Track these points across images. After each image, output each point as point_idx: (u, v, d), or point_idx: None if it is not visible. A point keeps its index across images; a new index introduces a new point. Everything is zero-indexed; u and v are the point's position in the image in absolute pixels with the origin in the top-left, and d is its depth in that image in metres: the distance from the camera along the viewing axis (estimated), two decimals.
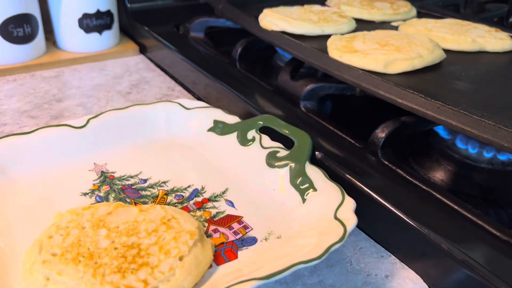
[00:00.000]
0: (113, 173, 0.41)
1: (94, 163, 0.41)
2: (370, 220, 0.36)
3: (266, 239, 0.34)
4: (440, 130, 0.46)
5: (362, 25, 0.59)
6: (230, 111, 0.46)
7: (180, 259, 0.30)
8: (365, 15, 0.61)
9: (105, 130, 0.43)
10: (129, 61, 0.69)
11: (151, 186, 0.39)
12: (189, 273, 0.29)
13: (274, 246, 0.33)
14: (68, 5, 0.64)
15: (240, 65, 0.58)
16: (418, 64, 0.44)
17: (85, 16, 0.65)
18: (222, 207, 0.37)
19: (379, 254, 0.35)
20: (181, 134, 0.45)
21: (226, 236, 0.34)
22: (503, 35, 0.54)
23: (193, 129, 0.45)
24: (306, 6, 0.62)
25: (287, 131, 0.41)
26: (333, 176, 0.37)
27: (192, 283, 0.29)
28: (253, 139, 0.42)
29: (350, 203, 0.33)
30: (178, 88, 0.61)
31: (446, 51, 0.49)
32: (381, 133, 0.40)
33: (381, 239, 0.36)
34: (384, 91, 0.41)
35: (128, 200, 0.38)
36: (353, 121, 0.50)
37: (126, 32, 0.75)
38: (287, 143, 0.40)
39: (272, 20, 0.55)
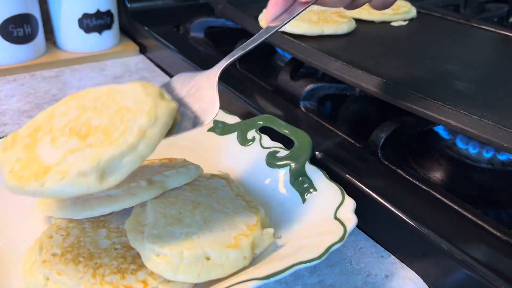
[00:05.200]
0: None
1: None
2: (370, 220, 0.36)
3: None
4: (440, 130, 0.46)
5: (362, 25, 0.59)
6: (230, 111, 0.46)
7: None
8: (365, 15, 0.61)
9: None
10: (129, 61, 0.69)
11: None
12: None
13: (274, 246, 0.33)
14: (68, 5, 0.64)
15: (240, 65, 0.58)
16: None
17: (85, 16, 0.65)
18: None
19: (379, 254, 0.35)
20: (181, 134, 0.45)
21: None
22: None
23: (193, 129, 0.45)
24: None
25: (287, 131, 0.41)
26: (333, 176, 0.37)
27: (192, 283, 0.29)
28: (253, 139, 0.42)
29: (350, 203, 0.33)
30: None
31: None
32: (381, 133, 0.40)
33: (381, 239, 0.36)
34: (384, 91, 0.41)
35: None
36: (353, 121, 0.50)
37: (126, 32, 0.75)
38: (287, 143, 0.40)
39: None
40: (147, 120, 0.28)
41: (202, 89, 0.32)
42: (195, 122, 0.31)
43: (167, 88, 0.33)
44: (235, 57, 0.33)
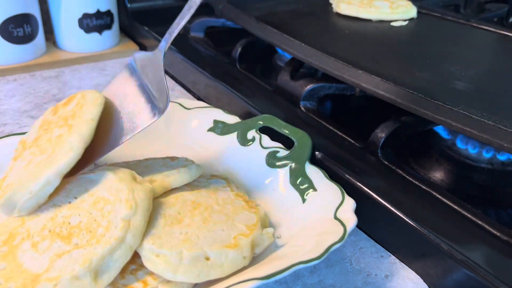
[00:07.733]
0: None
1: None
2: (370, 220, 0.36)
3: None
4: (440, 130, 0.46)
5: (362, 25, 0.59)
6: (230, 111, 0.46)
7: None
8: (362, 13, 0.61)
9: None
10: None
11: None
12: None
13: (274, 246, 0.33)
14: (68, 5, 0.64)
15: (240, 65, 0.58)
16: None
17: (85, 16, 0.65)
18: None
19: (379, 254, 0.35)
20: (181, 134, 0.45)
21: None
22: None
23: (193, 129, 0.45)
24: None
25: (287, 131, 0.41)
26: (333, 176, 0.37)
27: (192, 283, 0.29)
28: (253, 139, 0.42)
29: (350, 203, 0.33)
30: (178, 88, 0.61)
31: None
32: (381, 133, 0.40)
33: (381, 239, 0.36)
34: (384, 91, 0.41)
35: None
36: (353, 121, 0.50)
37: (126, 32, 0.75)
38: (287, 143, 0.40)
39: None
40: (128, 210, 0.28)
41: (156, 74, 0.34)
42: (153, 114, 0.32)
43: (131, 70, 0.34)
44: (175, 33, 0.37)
